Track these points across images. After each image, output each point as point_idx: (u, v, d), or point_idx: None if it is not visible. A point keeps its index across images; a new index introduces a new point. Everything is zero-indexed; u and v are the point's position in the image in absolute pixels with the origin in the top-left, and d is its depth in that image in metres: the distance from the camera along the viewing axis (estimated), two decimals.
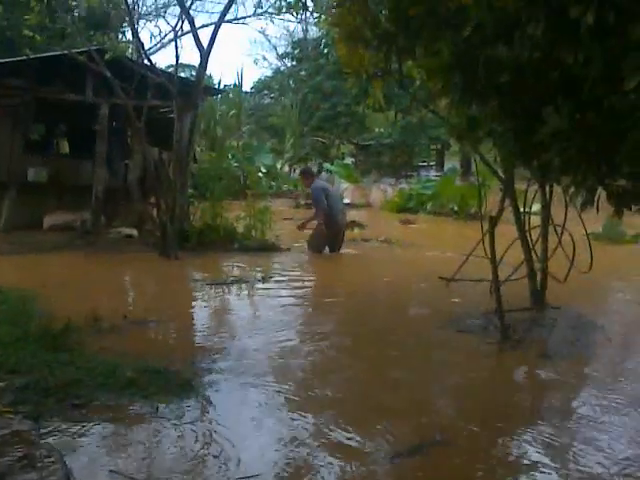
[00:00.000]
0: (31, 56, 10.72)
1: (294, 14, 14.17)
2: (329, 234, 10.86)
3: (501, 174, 7.13)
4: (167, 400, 4.50)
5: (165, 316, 7.00)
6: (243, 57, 62.79)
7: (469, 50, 3.75)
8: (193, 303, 8.01)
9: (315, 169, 28.80)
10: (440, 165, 36.32)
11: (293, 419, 4.34)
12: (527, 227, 7.45)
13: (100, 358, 5.18)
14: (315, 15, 12.91)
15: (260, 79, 43.95)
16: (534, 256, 7.39)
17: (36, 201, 11.63)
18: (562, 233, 7.82)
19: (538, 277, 7.33)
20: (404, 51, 6.50)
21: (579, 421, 4.46)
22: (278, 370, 5.32)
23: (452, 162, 37.06)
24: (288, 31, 45.06)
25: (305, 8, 11.75)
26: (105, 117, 11.59)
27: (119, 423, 4.17)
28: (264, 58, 47.26)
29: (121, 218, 12.20)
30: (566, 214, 7.71)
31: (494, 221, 6.33)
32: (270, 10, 14.74)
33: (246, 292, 8.39)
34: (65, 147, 16.99)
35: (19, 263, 9.50)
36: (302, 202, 18.77)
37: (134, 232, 11.74)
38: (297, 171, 12.33)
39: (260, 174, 20.32)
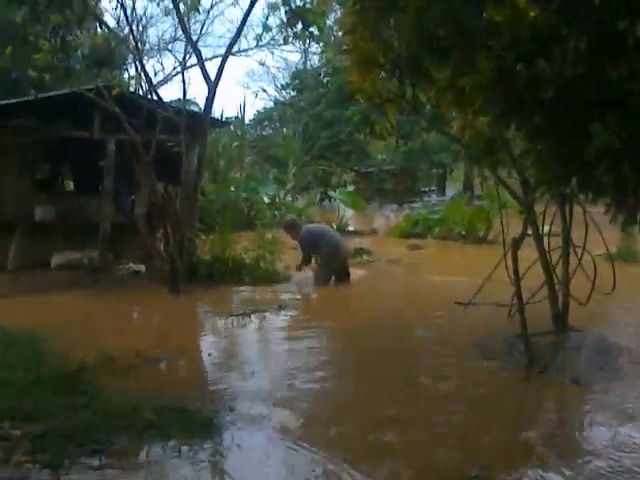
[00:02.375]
0: (38, 96, 10.65)
1: (298, 44, 14.24)
2: (335, 266, 10.72)
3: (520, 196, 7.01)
4: (190, 442, 4.34)
5: (179, 352, 6.84)
6: (242, 89, 62.97)
7: (509, 67, 3.63)
8: (206, 337, 7.86)
9: (318, 197, 28.78)
10: (442, 190, 36.23)
11: (314, 461, 4.18)
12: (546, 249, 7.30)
13: (117, 399, 5.01)
14: (321, 44, 12.85)
15: (259, 111, 44.19)
16: (554, 278, 7.24)
17: (44, 240, 11.45)
18: (582, 254, 7.68)
19: (559, 300, 7.16)
20: (419, 74, 6.46)
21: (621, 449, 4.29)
22: (293, 405, 5.17)
23: (453, 187, 37.09)
24: (287, 63, 45.30)
25: (312, 37, 11.71)
26: (112, 153, 11.49)
27: (141, 469, 4.00)
28: (264, 90, 47.52)
29: (129, 254, 12.04)
30: (586, 235, 7.59)
31: (517, 243, 6.19)
32: (273, 41, 14.75)
33: (258, 324, 8.23)
34: (70, 185, 16.93)
35: (28, 304, 9.33)
36: None
37: (142, 268, 11.57)
38: (287, 221, 12.06)
39: (262, 205, 20.22)
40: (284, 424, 4.76)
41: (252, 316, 8.40)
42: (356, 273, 11.49)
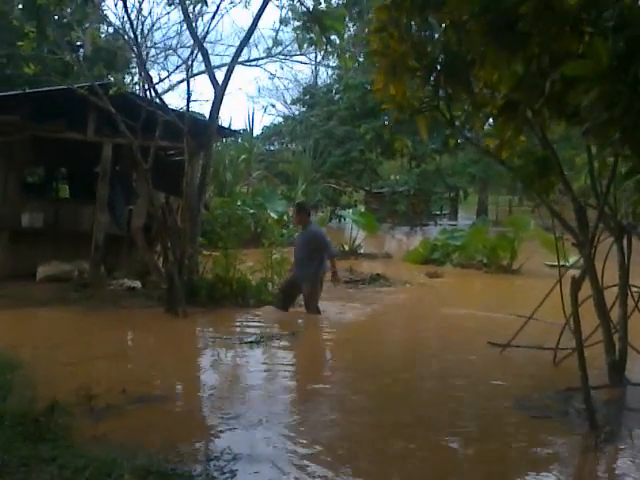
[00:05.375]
0: (27, 90, 9.76)
1: (310, 57, 13.40)
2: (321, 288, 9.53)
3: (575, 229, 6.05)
4: None
5: (173, 390, 6.04)
6: (250, 103, 62.50)
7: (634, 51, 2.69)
8: (206, 372, 6.85)
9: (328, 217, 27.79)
10: (454, 214, 35.46)
11: None
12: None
13: (92, 452, 4.11)
14: (338, 52, 11.97)
15: (267, 126, 43.40)
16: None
17: (30, 249, 10.64)
18: None
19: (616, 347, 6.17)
20: (457, 79, 5.58)
21: None
22: (310, 471, 4.17)
23: (465, 211, 36.32)
24: (296, 78, 44.39)
25: (329, 44, 10.85)
26: (108, 158, 10.61)
27: None
28: (273, 105, 46.68)
29: (123, 269, 11.09)
30: None
31: (578, 284, 5.21)
32: (289, 49, 13.94)
33: (268, 356, 7.24)
34: (65, 191, 16.06)
35: (6, 319, 8.36)
36: None
37: (137, 284, 10.61)
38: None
39: (270, 221, 19.28)
40: None
41: (260, 346, 7.42)
42: (373, 301, 10.53)
